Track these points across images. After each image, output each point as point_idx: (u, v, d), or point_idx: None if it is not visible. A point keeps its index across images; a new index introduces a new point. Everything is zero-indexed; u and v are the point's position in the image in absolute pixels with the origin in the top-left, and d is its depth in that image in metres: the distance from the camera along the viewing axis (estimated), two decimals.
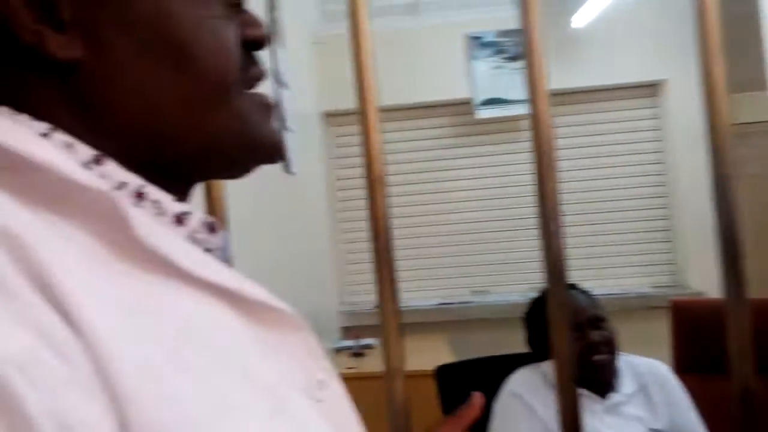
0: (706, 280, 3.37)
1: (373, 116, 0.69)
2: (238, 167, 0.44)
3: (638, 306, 3.37)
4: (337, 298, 3.60)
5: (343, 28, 3.42)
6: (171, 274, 0.34)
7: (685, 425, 1.45)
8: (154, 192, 0.38)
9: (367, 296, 3.61)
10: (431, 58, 3.52)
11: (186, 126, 0.39)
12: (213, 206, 0.75)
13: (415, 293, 3.60)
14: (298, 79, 2.63)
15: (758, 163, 3.44)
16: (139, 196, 0.37)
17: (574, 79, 3.40)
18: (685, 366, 2.00)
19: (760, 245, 3.14)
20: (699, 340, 2.00)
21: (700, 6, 0.68)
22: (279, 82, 2.08)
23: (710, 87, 0.70)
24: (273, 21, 2.08)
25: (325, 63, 3.42)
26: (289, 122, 2.17)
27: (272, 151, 0.44)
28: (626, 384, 1.46)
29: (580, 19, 3.21)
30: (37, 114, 0.36)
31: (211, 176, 0.47)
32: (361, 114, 0.70)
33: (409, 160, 3.63)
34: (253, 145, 0.42)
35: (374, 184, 0.70)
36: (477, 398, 0.64)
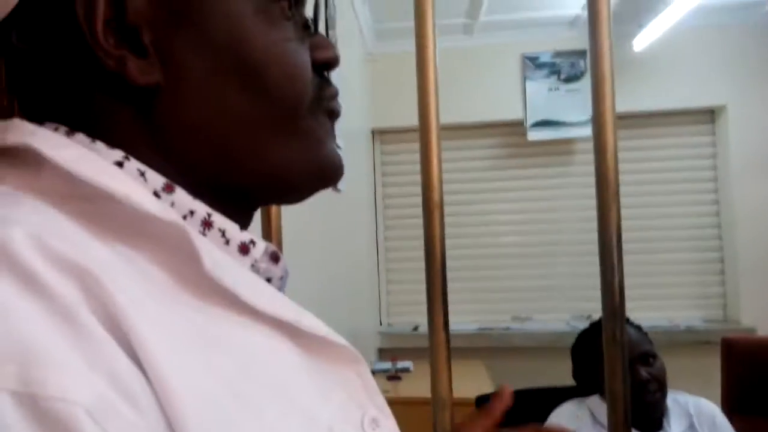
0: (758, 316, 3.23)
1: (434, 142, 0.68)
2: (302, 189, 0.43)
3: (688, 340, 3.25)
4: (376, 319, 3.59)
5: (395, 47, 3.45)
6: (234, 307, 0.34)
7: None
8: (220, 220, 0.38)
9: (406, 318, 3.59)
10: (485, 78, 3.50)
11: (257, 150, 0.39)
12: (269, 225, 0.75)
13: (455, 317, 3.53)
14: (349, 95, 2.66)
15: None
16: (207, 224, 0.37)
17: (633, 102, 3.33)
18: (736, 406, 1.91)
19: None
20: (751, 380, 1.90)
21: None
22: None
23: None
24: (328, 38, 2.11)
25: (376, 80, 3.45)
26: (338, 139, 2.18)
27: (333, 172, 0.44)
28: (674, 423, 1.41)
29: (640, 43, 3.14)
30: (112, 138, 0.36)
31: (275, 200, 0.47)
32: (421, 140, 0.69)
33: (456, 180, 3.60)
34: (315, 165, 0.42)
35: (432, 211, 0.69)
36: (506, 389, 0.62)
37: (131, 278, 0.31)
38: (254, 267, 0.39)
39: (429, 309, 0.70)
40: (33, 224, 0.29)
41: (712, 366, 2.12)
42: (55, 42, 0.36)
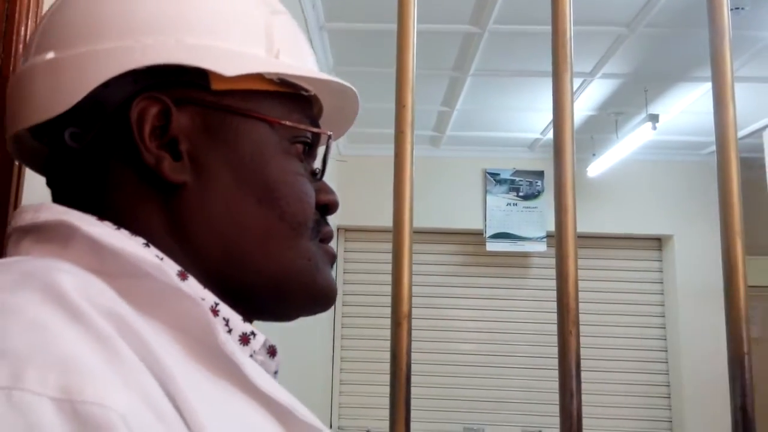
0: None
1: (406, 257, 0.72)
2: (294, 304, 0.46)
3: None
4: (326, 421, 3.47)
5: (364, 150, 3.58)
6: (238, 384, 0.37)
7: None
8: (225, 310, 0.41)
9: (358, 421, 3.49)
10: (449, 188, 3.66)
11: (262, 255, 0.43)
12: None
13: None
14: None
15: (761, 326, 3.44)
16: (213, 312, 0.40)
17: (585, 224, 3.49)
18: None
19: (761, 411, 3.06)
20: None
21: (724, 175, 0.72)
22: None
23: (730, 255, 0.72)
24: None
25: (344, 179, 3.56)
26: None
27: (327, 299, 0.47)
28: None
29: (594, 170, 3.36)
30: (136, 226, 0.40)
31: (269, 309, 0.48)
32: (394, 253, 0.73)
33: (415, 283, 3.65)
34: (312, 288, 0.46)
35: (400, 323, 0.72)
36: None
37: (153, 338, 0.33)
38: (252, 358, 0.41)
39: (391, 422, 0.71)
40: (77, 276, 0.34)
41: None
42: (103, 140, 0.41)
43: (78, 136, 0.41)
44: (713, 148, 0.71)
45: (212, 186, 0.42)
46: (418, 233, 3.66)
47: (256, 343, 0.42)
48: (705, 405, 3.30)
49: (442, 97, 2.99)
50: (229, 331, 0.40)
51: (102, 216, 0.40)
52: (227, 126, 0.43)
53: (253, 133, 0.43)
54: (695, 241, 3.48)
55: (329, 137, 0.49)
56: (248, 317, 0.45)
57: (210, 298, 0.40)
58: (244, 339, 0.41)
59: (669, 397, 3.53)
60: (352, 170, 3.52)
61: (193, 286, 0.39)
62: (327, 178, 0.53)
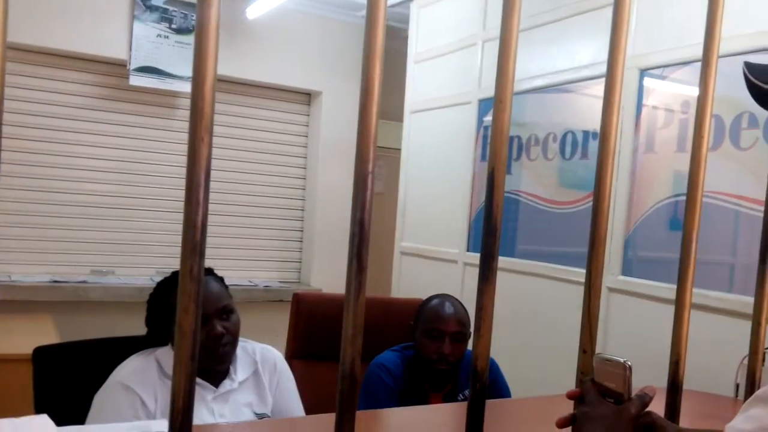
0: (324, 279, 3.80)
1: None
2: None
3: (265, 298, 3.57)
4: None
5: None
6: None
7: (287, 407, 1.55)
8: None
9: None
10: (87, 4, 3.08)
11: None
12: None
13: (23, 267, 3.09)
14: None
15: (382, 182, 4.03)
16: None
17: (240, 69, 3.43)
18: (297, 353, 2.15)
19: (373, 251, 3.67)
20: (312, 330, 2.17)
21: (369, 37, 0.72)
22: None
23: (366, 107, 0.75)
24: None
25: None
26: None
27: None
28: (240, 371, 1.47)
29: (253, 11, 3.23)
30: None
31: None
32: None
33: (38, 112, 3.10)
34: None
35: None
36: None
37: None
38: None
39: None
40: None
41: (284, 320, 2.34)
42: None
43: None
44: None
45: None
46: (48, 55, 3.06)
47: None
48: (330, 248, 3.78)
49: None
50: None
51: None
52: None
53: None
54: (341, 100, 3.77)
55: None
56: None
57: None
58: None
59: (301, 242, 3.91)
60: None
61: None
62: None
